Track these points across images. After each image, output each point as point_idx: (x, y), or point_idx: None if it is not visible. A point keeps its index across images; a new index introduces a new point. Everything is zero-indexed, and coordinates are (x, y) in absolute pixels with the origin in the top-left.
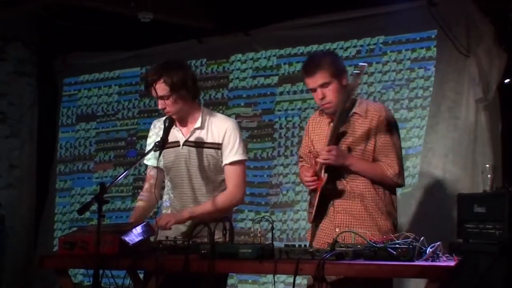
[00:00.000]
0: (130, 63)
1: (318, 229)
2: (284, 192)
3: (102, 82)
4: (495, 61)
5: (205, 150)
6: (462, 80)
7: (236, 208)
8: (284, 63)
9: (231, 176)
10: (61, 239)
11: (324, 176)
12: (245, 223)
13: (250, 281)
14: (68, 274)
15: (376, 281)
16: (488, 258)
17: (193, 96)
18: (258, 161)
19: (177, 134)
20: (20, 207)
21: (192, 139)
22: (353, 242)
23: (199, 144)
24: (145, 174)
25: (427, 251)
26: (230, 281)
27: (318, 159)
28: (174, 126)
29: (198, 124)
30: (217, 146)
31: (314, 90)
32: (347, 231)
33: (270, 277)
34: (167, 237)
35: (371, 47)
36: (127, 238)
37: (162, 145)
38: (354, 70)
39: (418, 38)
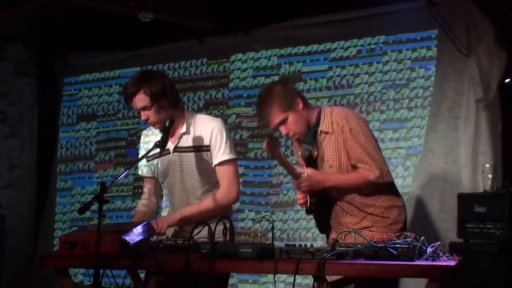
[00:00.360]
0: (130, 63)
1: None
2: (285, 192)
3: (102, 81)
4: (495, 61)
5: (196, 153)
6: (463, 80)
7: (236, 208)
8: (285, 63)
9: (223, 176)
10: (61, 239)
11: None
12: (245, 222)
13: (250, 280)
14: (68, 274)
15: (383, 282)
16: (488, 258)
17: (174, 104)
18: (258, 161)
19: None
20: (20, 207)
21: (180, 144)
22: (353, 241)
23: (188, 149)
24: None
25: (428, 251)
26: (230, 281)
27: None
28: None
29: (183, 129)
30: (206, 148)
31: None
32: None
33: (270, 276)
34: (167, 236)
35: (371, 46)
36: (127, 238)
37: (163, 145)
38: None
39: (418, 38)
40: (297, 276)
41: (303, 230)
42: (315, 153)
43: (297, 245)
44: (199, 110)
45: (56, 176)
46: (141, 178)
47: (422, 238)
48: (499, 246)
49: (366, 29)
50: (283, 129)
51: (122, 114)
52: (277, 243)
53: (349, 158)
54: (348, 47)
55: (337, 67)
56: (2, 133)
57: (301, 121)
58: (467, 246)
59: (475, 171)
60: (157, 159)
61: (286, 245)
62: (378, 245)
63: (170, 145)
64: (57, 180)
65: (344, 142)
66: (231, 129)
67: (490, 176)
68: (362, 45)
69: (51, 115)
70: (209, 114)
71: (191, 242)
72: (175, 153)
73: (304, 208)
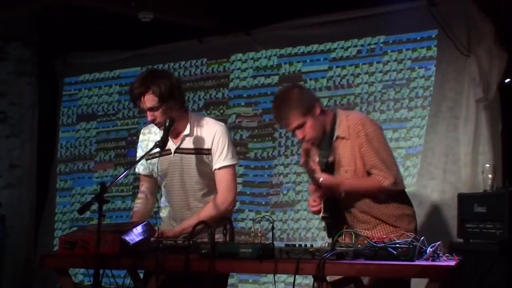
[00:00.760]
0: (130, 62)
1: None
2: (285, 192)
3: (102, 81)
4: (495, 61)
5: (196, 156)
6: (463, 80)
7: (236, 208)
8: (285, 63)
9: (221, 181)
10: (61, 239)
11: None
12: (245, 222)
13: (250, 280)
14: (68, 274)
15: (395, 282)
16: (488, 258)
17: (180, 104)
18: (258, 161)
19: (168, 142)
20: (20, 207)
21: (182, 146)
22: (353, 241)
23: (190, 151)
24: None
25: (428, 251)
26: (230, 281)
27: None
28: None
29: (187, 131)
30: (207, 152)
31: (294, 133)
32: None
33: (270, 277)
34: (167, 236)
35: (371, 46)
36: (127, 238)
37: (163, 145)
38: None
39: (418, 38)
40: (297, 276)
41: (303, 230)
42: (331, 159)
43: (297, 245)
44: (199, 110)
45: (56, 176)
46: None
47: (422, 238)
48: (499, 246)
49: (366, 29)
50: (299, 134)
51: (122, 114)
52: (277, 243)
53: (364, 164)
54: (348, 47)
55: (337, 67)
56: (2, 133)
57: (318, 126)
58: (467, 246)
59: (475, 171)
60: (156, 159)
61: (286, 245)
62: (378, 245)
63: (172, 146)
64: (57, 180)
65: (359, 148)
66: (231, 129)
67: (490, 176)
68: (362, 45)
69: (51, 115)
70: (209, 114)
71: (191, 242)
72: (176, 154)
73: (320, 215)
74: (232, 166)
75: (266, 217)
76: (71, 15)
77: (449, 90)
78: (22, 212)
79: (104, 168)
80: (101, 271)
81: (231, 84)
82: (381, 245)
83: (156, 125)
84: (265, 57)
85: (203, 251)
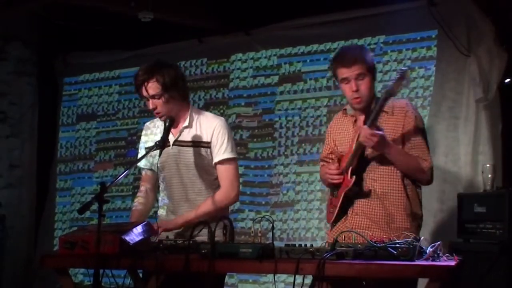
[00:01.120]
0: (130, 62)
1: (334, 228)
2: (285, 192)
3: (102, 81)
4: (495, 61)
5: (194, 149)
6: (463, 80)
7: (236, 208)
8: (285, 63)
9: (223, 176)
10: (61, 239)
11: (351, 178)
12: (245, 222)
13: (250, 280)
14: (68, 274)
15: (402, 282)
16: (488, 258)
17: (183, 96)
18: (258, 161)
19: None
20: (20, 207)
21: (181, 138)
22: (353, 241)
23: (188, 143)
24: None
25: (428, 251)
26: (230, 281)
27: (360, 138)
28: None
29: (186, 123)
30: (206, 145)
31: (347, 81)
32: (347, 231)
33: (270, 276)
34: (167, 236)
35: (371, 46)
36: (127, 238)
37: (163, 144)
38: (396, 74)
39: (418, 38)
40: (297, 276)
41: (303, 230)
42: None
43: (297, 245)
44: None
45: (56, 176)
46: (141, 178)
47: (422, 238)
48: (499, 246)
49: (366, 29)
50: (354, 85)
51: (122, 114)
52: (277, 243)
53: (402, 143)
54: None
55: None
56: (2, 133)
57: (371, 90)
58: (467, 246)
59: (475, 171)
60: (157, 151)
61: (286, 245)
62: (378, 245)
63: (171, 138)
64: (57, 180)
65: (403, 126)
66: (231, 129)
67: (490, 176)
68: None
69: (51, 115)
70: None
71: (191, 242)
72: (174, 146)
73: (347, 189)
74: (233, 160)
75: (266, 217)
76: (71, 15)
77: (449, 90)
78: (22, 212)
79: (104, 168)
80: (101, 271)
81: (231, 84)
82: (381, 245)
83: (156, 115)
84: (265, 57)
85: (203, 251)
